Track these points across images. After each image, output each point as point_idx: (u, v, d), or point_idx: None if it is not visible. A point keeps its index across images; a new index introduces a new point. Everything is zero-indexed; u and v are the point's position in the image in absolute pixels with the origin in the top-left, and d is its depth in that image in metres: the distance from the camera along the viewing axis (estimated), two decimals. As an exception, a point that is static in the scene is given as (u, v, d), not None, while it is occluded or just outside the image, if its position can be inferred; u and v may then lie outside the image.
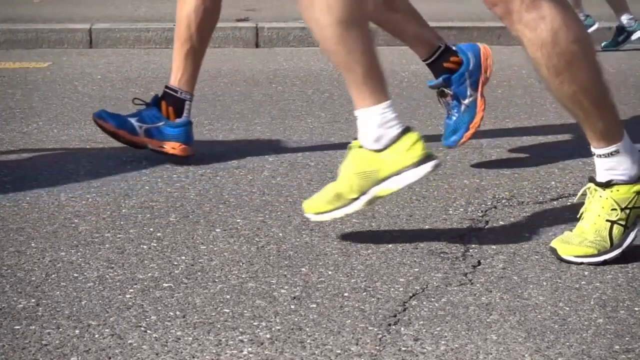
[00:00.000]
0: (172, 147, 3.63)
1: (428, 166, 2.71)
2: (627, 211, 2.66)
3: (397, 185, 2.72)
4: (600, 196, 2.66)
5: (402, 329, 2.28)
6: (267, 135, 4.15)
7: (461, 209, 3.14)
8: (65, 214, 3.09)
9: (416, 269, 2.64)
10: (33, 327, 2.28)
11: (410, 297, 2.46)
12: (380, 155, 2.70)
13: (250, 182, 3.45)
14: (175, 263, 2.68)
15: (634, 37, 6.67)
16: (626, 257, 2.71)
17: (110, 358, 2.14)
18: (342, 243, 2.83)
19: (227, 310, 2.38)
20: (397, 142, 2.71)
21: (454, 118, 3.65)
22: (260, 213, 3.10)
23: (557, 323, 2.31)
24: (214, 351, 2.17)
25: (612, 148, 2.65)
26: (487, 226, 2.98)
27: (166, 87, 3.70)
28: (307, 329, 2.28)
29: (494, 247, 2.80)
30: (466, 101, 3.65)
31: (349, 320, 2.33)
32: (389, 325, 2.30)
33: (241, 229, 2.95)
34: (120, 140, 3.66)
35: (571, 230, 2.70)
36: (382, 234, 2.91)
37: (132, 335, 2.25)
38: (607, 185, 2.66)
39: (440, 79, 3.64)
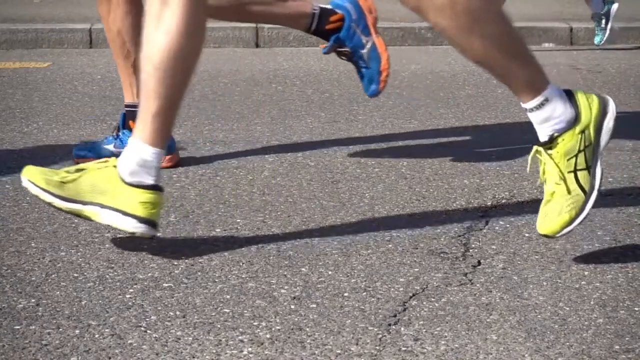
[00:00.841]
0: None
1: (146, 229, 2.67)
2: (582, 153, 2.62)
3: (110, 221, 2.68)
4: (551, 155, 2.62)
5: (402, 329, 2.28)
6: (267, 135, 4.15)
7: (461, 209, 3.14)
8: (65, 214, 3.09)
9: (416, 269, 2.64)
10: (33, 327, 2.28)
11: (410, 297, 2.46)
12: (120, 185, 2.68)
13: (250, 182, 3.45)
14: (175, 263, 2.68)
15: (612, 11, 6.61)
16: (626, 257, 2.71)
17: (110, 358, 2.14)
18: (342, 243, 2.83)
19: (227, 310, 2.38)
20: (144, 190, 2.67)
21: (364, 70, 3.61)
22: (260, 213, 3.10)
23: (557, 323, 2.31)
24: (214, 351, 2.17)
25: (541, 98, 2.61)
26: (487, 226, 2.98)
27: (126, 105, 3.66)
28: (307, 329, 2.28)
29: (494, 247, 2.81)
30: (365, 50, 3.60)
31: (349, 320, 2.33)
32: (389, 325, 2.30)
33: (241, 229, 2.95)
34: None
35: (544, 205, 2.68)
36: (382, 234, 2.91)
37: (132, 335, 2.25)
38: (552, 141, 2.62)
39: (331, 42, 3.58)
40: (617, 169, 3.61)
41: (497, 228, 2.97)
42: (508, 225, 2.99)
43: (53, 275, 2.59)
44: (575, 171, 2.61)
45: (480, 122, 4.43)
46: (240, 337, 2.24)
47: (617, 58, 6.34)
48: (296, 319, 2.33)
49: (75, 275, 2.60)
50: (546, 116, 2.63)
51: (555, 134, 2.62)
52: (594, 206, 3.15)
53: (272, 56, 6.35)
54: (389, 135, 4.15)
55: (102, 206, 2.68)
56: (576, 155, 2.61)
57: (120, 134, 3.64)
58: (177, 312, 2.37)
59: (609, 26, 6.62)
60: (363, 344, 2.21)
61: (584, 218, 2.63)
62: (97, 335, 2.24)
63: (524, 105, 2.66)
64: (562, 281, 2.56)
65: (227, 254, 2.75)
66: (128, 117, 3.64)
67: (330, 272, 2.62)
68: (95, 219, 2.71)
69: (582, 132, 2.62)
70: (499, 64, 2.62)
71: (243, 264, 2.68)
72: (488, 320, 2.33)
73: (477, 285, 2.54)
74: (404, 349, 2.19)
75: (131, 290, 2.50)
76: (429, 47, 6.76)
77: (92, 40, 6.77)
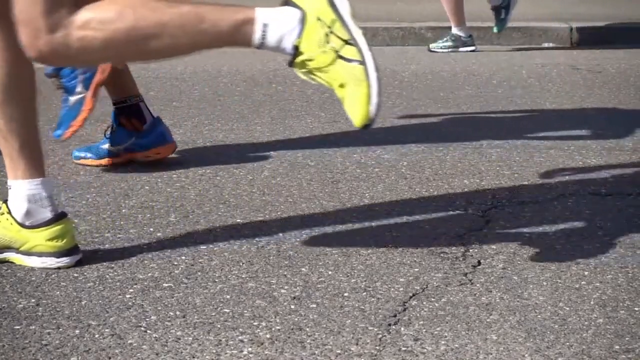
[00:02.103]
0: (156, 152, 3.64)
1: (68, 260, 2.65)
2: (332, 35, 2.43)
3: (32, 264, 2.65)
4: (310, 58, 2.46)
5: (402, 329, 2.29)
6: (267, 135, 4.15)
7: (461, 209, 3.14)
8: (65, 214, 3.10)
9: (416, 269, 2.64)
10: (33, 327, 2.28)
11: (410, 297, 2.46)
12: (22, 230, 2.65)
13: (250, 182, 3.45)
14: (175, 263, 2.68)
15: (513, 2, 6.59)
16: (626, 257, 2.71)
17: (110, 358, 2.14)
18: (342, 243, 2.83)
19: (227, 310, 2.38)
20: (45, 227, 2.64)
21: (63, 110, 3.61)
22: (260, 213, 3.10)
23: (557, 323, 2.31)
24: (214, 351, 2.17)
25: (259, 26, 2.42)
26: (487, 226, 2.98)
27: (114, 104, 3.67)
28: (307, 329, 2.28)
29: (494, 247, 2.81)
30: (73, 98, 3.58)
31: (349, 320, 2.33)
32: (389, 325, 2.31)
33: (241, 229, 2.95)
34: (109, 165, 3.63)
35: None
36: (381, 234, 2.91)
37: (132, 335, 2.25)
38: (298, 49, 2.44)
39: (51, 69, 3.59)
40: (617, 169, 3.61)
41: (497, 228, 2.97)
42: (508, 225, 2.99)
43: (53, 275, 2.59)
44: (338, 54, 2.44)
45: (480, 122, 4.43)
46: (240, 337, 2.24)
47: (617, 58, 6.33)
48: (296, 319, 2.34)
49: (75, 275, 2.60)
50: (278, 36, 2.44)
51: (297, 41, 2.44)
52: (594, 206, 3.16)
53: (272, 56, 6.34)
54: (388, 135, 4.15)
55: (18, 251, 2.67)
56: (327, 41, 2.44)
57: (111, 132, 3.64)
58: (177, 312, 2.37)
59: (508, 17, 6.60)
60: (363, 344, 2.21)
61: (378, 79, 2.42)
62: (97, 335, 2.25)
63: (253, 47, 2.48)
64: (562, 281, 2.56)
65: (227, 254, 2.75)
66: (118, 114, 3.65)
67: (330, 272, 2.62)
68: (21, 263, 2.67)
69: (318, 18, 2.44)
70: (195, 39, 2.45)
71: (243, 264, 2.68)
72: (488, 320, 2.33)
73: (477, 285, 2.54)
74: (404, 349, 2.19)
75: (131, 290, 2.50)
76: (427, 46, 6.76)
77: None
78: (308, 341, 2.22)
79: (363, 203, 3.21)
